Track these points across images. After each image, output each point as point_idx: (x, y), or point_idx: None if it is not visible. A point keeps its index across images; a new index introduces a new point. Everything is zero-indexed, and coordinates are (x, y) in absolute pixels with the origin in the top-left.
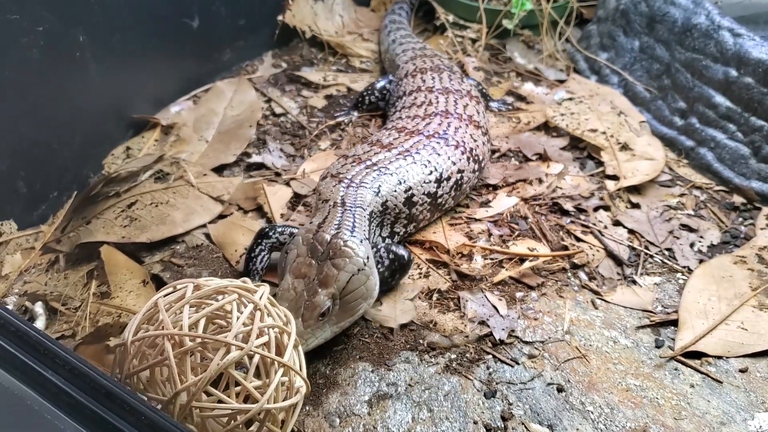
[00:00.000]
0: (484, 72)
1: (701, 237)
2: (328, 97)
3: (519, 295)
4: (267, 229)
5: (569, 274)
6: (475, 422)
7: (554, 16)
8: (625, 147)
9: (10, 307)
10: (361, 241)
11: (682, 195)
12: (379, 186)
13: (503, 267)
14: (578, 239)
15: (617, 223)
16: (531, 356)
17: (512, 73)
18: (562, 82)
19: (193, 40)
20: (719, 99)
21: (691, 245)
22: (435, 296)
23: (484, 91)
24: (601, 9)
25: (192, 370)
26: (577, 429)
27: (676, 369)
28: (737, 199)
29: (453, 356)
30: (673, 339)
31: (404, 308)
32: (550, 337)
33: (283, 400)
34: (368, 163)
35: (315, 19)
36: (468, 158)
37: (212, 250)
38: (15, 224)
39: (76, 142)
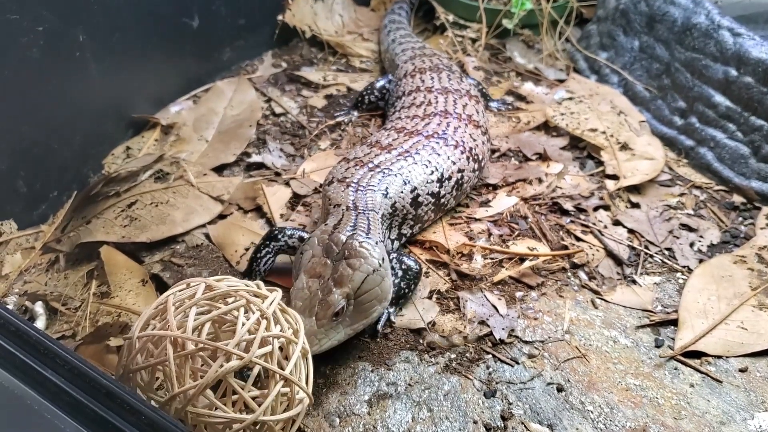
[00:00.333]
0: (484, 71)
1: (701, 236)
2: (328, 97)
3: (519, 294)
4: (276, 232)
5: (569, 274)
6: (475, 422)
7: (554, 16)
8: (625, 147)
9: (10, 306)
10: (377, 243)
11: (681, 194)
12: (387, 188)
13: (503, 266)
14: (578, 239)
15: (617, 223)
16: (531, 356)
17: (512, 72)
18: (561, 81)
19: (193, 39)
20: (719, 98)
21: (691, 245)
22: (435, 297)
23: (483, 90)
24: (601, 8)
25: (192, 375)
26: (577, 429)
27: (675, 368)
28: (737, 199)
29: (453, 356)
30: (673, 338)
31: (426, 306)
32: (549, 337)
33: (285, 411)
34: (371, 165)
35: (315, 18)
36: (468, 157)
37: (212, 249)
38: (15, 224)
39: (76, 141)
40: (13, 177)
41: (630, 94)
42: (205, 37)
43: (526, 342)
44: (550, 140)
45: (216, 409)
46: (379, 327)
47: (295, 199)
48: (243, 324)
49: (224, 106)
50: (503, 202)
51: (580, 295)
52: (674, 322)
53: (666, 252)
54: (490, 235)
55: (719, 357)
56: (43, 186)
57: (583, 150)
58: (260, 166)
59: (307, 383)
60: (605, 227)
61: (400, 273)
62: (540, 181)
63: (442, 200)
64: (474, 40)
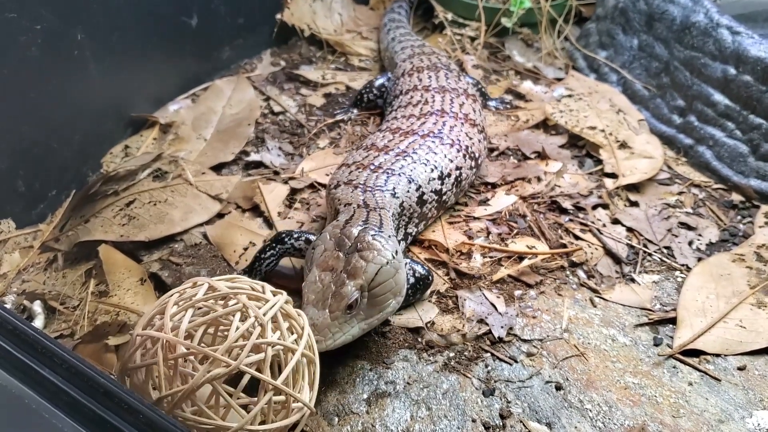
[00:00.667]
0: (483, 70)
1: (700, 235)
2: (327, 96)
3: (517, 293)
4: (283, 235)
5: (568, 272)
6: (474, 420)
7: (553, 15)
8: (623, 145)
9: (8, 306)
10: (389, 237)
11: (680, 193)
12: (394, 188)
13: (502, 265)
14: (577, 237)
15: (616, 222)
16: (529, 354)
17: (511, 71)
18: (560, 80)
19: (192, 38)
20: (718, 97)
21: (690, 243)
22: (434, 296)
23: (482, 89)
24: (600, 7)
25: (182, 378)
26: (576, 427)
27: (674, 367)
28: (736, 197)
29: (451, 354)
30: (672, 337)
31: (425, 307)
32: (548, 335)
33: (282, 420)
34: (372, 167)
35: (314, 17)
36: (464, 155)
37: (210, 248)
38: (13, 223)
39: (74, 140)
40: (11, 176)
41: (629, 92)
42: (204, 36)
43: (524, 340)
44: (549, 139)
45: (202, 414)
46: None
47: (293, 197)
48: (237, 329)
49: (223, 104)
50: (502, 201)
51: (579, 293)
52: (673, 321)
53: (665, 250)
54: (488, 233)
55: (718, 355)
56: (41, 185)
57: (582, 148)
58: (259, 165)
59: (311, 390)
60: (604, 226)
61: (412, 280)
62: (539, 179)
63: (444, 197)
64: (473, 39)
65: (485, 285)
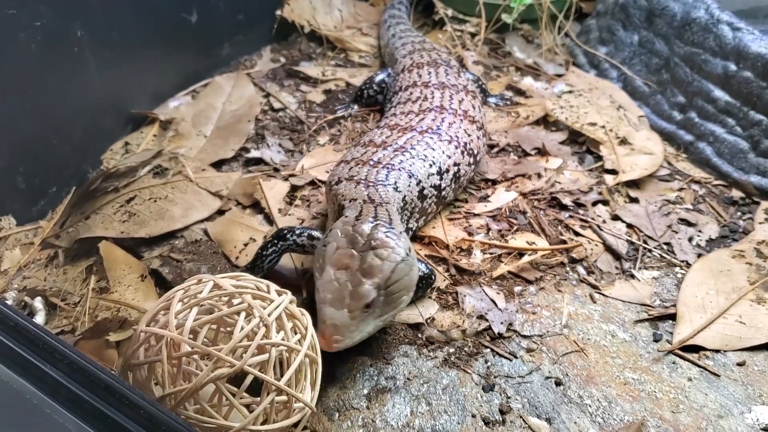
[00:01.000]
0: (483, 66)
1: (700, 231)
2: (327, 92)
3: (517, 289)
4: (285, 232)
5: (567, 269)
6: (474, 415)
7: (553, 11)
8: (624, 141)
9: (9, 302)
10: (400, 233)
11: (680, 189)
12: (395, 182)
13: (502, 261)
14: (577, 233)
15: (616, 218)
16: (529, 350)
17: (511, 67)
18: (561, 76)
19: (191, 35)
20: (718, 93)
21: (690, 239)
22: (434, 293)
23: (483, 85)
24: (601, 3)
25: (186, 376)
26: (575, 422)
27: (674, 363)
28: (736, 194)
29: (451, 350)
30: (671, 333)
31: (425, 303)
32: (548, 331)
33: (283, 420)
34: (372, 162)
35: (314, 13)
36: (462, 152)
37: (211, 245)
38: (14, 219)
39: (74, 137)
40: (12, 173)
41: (629, 88)
42: (203, 32)
43: (524, 336)
44: (549, 135)
45: (204, 413)
46: None
47: (293, 194)
48: (241, 329)
49: (223, 101)
50: (502, 197)
51: (579, 289)
52: (672, 317)
53: (664, 246)
54: (488, 230)
55: (717, 351)
56: (42, 182)
57: (582, 145)
58: (259, 161)
59: (313, 390)
60: (604, 222)
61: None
62: (539, 176)
63: (443, 192)
64: (473, 35)
65: (485, 281)
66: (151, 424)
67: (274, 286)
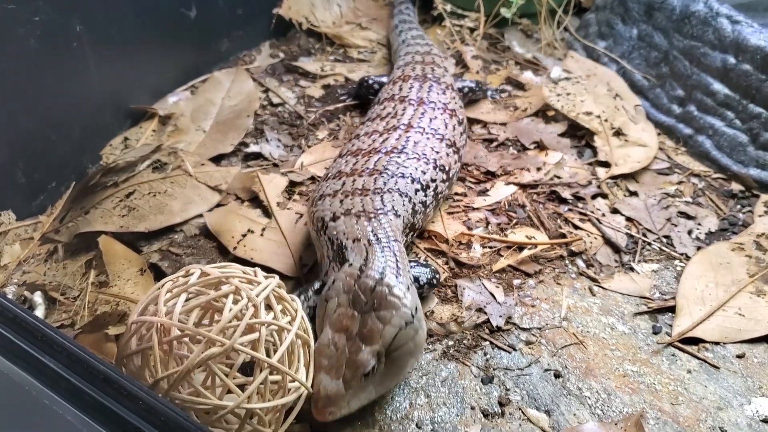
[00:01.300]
0: (482, 60)
1: (699, 224)
2: (326, 87)
3: (516, 282)
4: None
5: (567, 262)
6: (473, 407)
7: (552, 5)
8: (619, 132)
9: (9, 297)
10: (408, 288)
11: (680, 183)
12: (393, 206)
13: (501, 255)
14: (576, 227)
15: (615, 211)
16: (528, 342)
17: (511, 62)
18: (561, 59)
19: (190, 30)
20: (717, 86)
21: (689, 232)
22: (426, 283)
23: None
24: None
25: (178, 360)
26: (575, 414)
27: (673, 355)
28: (735, 187)
29: (450, 343)
30: (671, 325)
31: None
32: (547, 324)
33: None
34: (357, 191)
35: (312, 9)
36: (434, 167)
37: (210, 239)
38: (14, 215)
39: (74, 132)
40: (11, 168)
41: (628, 82)
42: (202, 27)
43: (523, 329)
44: (548, 128)
45: (198, 395)
46: None
47: (292, 188)
48: (230, 310)
49: (222, 96)
50: (501, 191)
51: (578, 282)
52: (672, 309)
53: (664, 240)
54: (488, 224)
55: (717, 343)
56: (41, 177)
57: (581, 138)
58: (258, 156)
59: (307, 371)
60: (603, 215)
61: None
62: (538, 170)
63: (428, 209)
64: (472, 30)
65: (484, 274)
66: (149, 413)
67: (261, 272)
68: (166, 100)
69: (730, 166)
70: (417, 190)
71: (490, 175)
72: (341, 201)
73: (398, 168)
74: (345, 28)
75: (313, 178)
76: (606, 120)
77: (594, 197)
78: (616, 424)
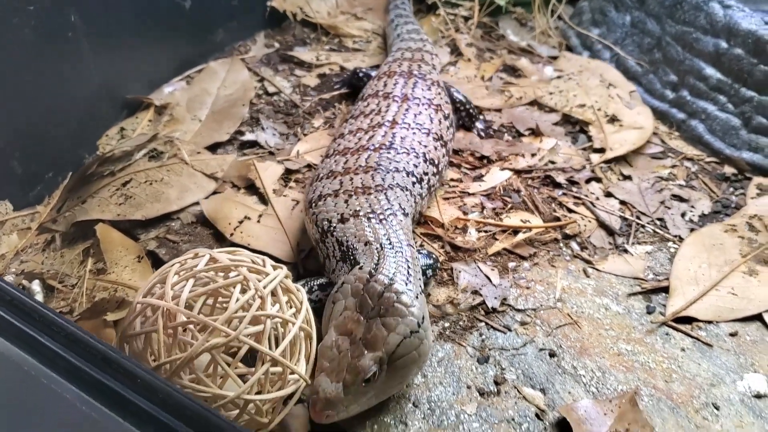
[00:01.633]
0: (476, 49)
1: (692, 207)
2: (321, 76)
3: (511, 265)
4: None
5: (561, 245)
6: (469, 387)
7: None
8: (613, 119)
9: None
10: (417, 297)
11: (673, 166)
12: (400, 204)
13: (497, 239)
14: (570, 211)
15: (609, 195)
16: (523, 323)
17: (504, 50)
18: (555, 58)
19: (185, 20)
20: (710, 71)
21: (683, 215)
22: (428, 270)
23: (470, 109)
24: None
25: (182, 346)
26: (569, 392)
27: (667, 334)
28: (728, 170)
29: (446, 324)
30: (664, 305)
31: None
32: (542, 305)
33: (278, 391)
34: (359, 188)
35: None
36: (424, 161)
37: (207, 226)
38: (11, 205)
39: (70, 123)
40: (8, 158)
41: (622, 69)
42: (197, 18)
43: (518, 310)
44: (542, 116)
45: (199, 383)
46: None
47: (288, 176)
48: (237, 300)
49: (217, 86)
50: (496, 177)
51: (572, 264)
52: (665, 290)
53: (657, 222)
54: (483, 208)
55: (710, 322)
56: (38, 167)
57: (575, 125)
58: (254, 144)
59: (308, 363)
60: (597, 199)
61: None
62: (533, 155)
63: (424, 201)
64: (466, 19)
65: (480, 258)
66: (148, 392)
67: (269, 261)
68: (161, 90)
69: (722, 150)
70: (414, 183)
71: (486, 161)
72: (346, 201)
73: (390, 163)
74: (340, 18)
75: (309, 166)
76: (599, 109)
77: (588, 181)
78: (610, 401)
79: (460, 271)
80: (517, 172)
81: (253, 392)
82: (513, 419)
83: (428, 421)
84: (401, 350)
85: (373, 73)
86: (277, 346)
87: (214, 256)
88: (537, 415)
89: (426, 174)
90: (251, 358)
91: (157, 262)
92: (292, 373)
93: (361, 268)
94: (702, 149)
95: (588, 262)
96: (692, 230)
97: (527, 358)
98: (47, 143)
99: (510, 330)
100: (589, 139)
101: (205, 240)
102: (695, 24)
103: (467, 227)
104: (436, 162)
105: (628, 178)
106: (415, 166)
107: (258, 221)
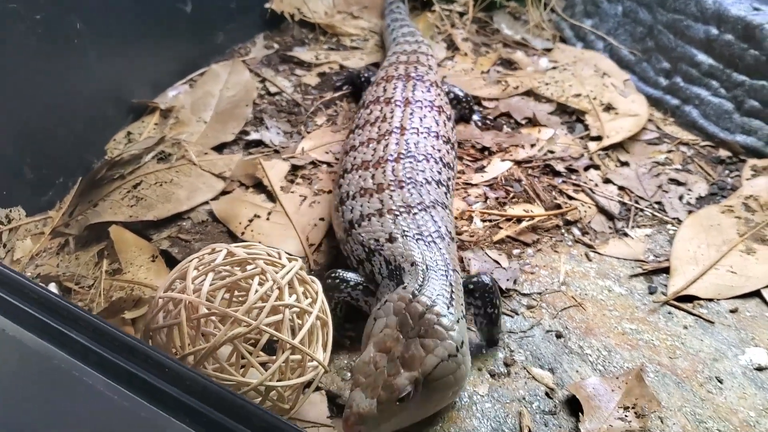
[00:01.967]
0: (472, 43)
1: (689, 190)
2: (321, 75)
3: (516, 251)
4: (338, 281)
5: (563, 231)
6: (480, 369)
7: None
8: (608, 107)
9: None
10: (458, 321)
11: (669, 151)
12: (446, 227)
13: (501, 228)
14: (570, 198)
15: (607, 181)
16: (530, 307)
17: (500, 44)
18: (549, 50)
19: (186, 24)
20: (701, 57)
21: (680, 198)
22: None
23: (470, 102)
24: None
25: (205, 337)
26: (577, 371)
27: (669, 313)
28: (723, 153)
29: None
30: (666, 285)
31: None
32: (547, 289)
33: (299, 377)
34: (403, 207)
35: (305, 0)
36: (444, 165)
37: (217, 224)
38: (23, 210)
39: (78, 129)
40: (19, 165)
41: (615, 58)
42: (198, 21)
43: (524, 294)
44: (538, 105)
45: (223, 371)
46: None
47: (294, 173)
48: (256, 291)
49: (220, 88)
50: (497, 167)
51: (575, 249)
52: (666, 270)
53: (656, 206)
54: (486, 198)
55: (710, 300)
56: (48, 173)
57: (571, 115)
58: (259, 143)
59: (325, 351)
60: (596, 185)
61: (479, 303)
62: (532, 145)
63: (449, 205)
64: (461, 14)
65: (486, 245)
66: (175, 379)
67: (284, 254)
68: (166, 94)
69: (717, 134)
70: (445, 192)
71: (487, 152)
72: (394, 221)
73: (418, 174)
74: (337, 17)
75: (314, 163)
76: (595, 98)
77: (586, 169)
78: (617, 377)
79: (470, 260)
80: (518, 163)
81: (275, 379)
82: (524, 398)
83: None
84: (438, 373)
85: (373, 78)
86: (295, 335)
87: (232, 250)
88: (547, 394)
89: (449, 179)
90: (269, 347)
91: (170, 260)
92: (311, 360)
93: (405, 287)
94: (697, 134)
95: (590, 246)
96: (690, 212)
97: (535, 340)
98: (57, 149)
99: (517, 314)
100: (586, 127)
101: (216, 238)
102: (686, 12)
103: (473, 217)
104: (452, 165)
105: (625, 164)
106: (439, 173)
107: (267, 218)
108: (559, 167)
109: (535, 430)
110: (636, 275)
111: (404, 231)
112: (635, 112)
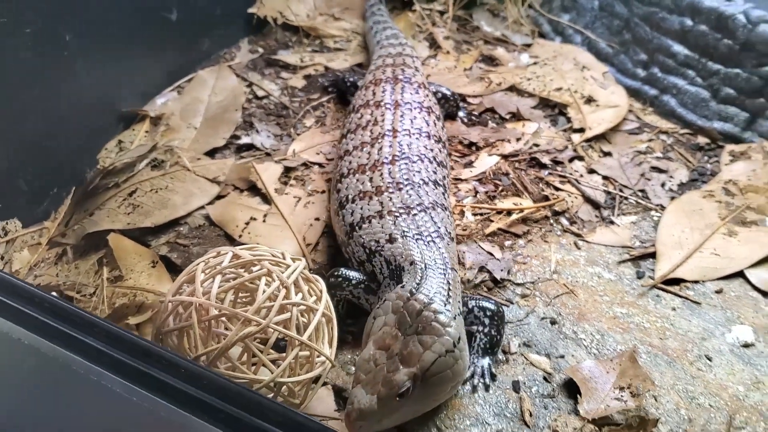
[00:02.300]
0: (453, 41)
1: (671, 177)
2: (307, 77)
3: (507, 243)
4: (341, 280)
5: (552, 221)
6: None
7: None
8: (589, 100)
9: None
10: (455, 318)
11: (650, 140)
12: (446, 228)
13: (492, 221)
14: (557, 189)
15: (592, 171)
16: (523, 296)
17: (480, 41)
18: (529, 46)
19: (172, 32)
20: (677, 48)
21: (662, 185)
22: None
23: (456, 100)
24: None
25: (216, 338)
26: (573, 355)
27: (657, 296)
28: (702, 140)
29: None
30: (653, 269)
31: None
32: (539, 278)
33: (306, 374)
34: (402, 209)
35: (287, 2)
36: (438, 164)
37: (214, 228)
38: (19, 222)
39: (70, 139)
40: (14, 177)
41: (594, 51)
42: (183, 29)
43: (518, 284)
44: (522, 100)
45: (235, 370)
46: (476, 381)
47: (287, 174)
48: (264, 292)
49: (208, 93)
50: (485, 162)
51: (564, 238)
52: (652, 255)
53: (639, 193)
54: (476, 192)
55: (696, 282)
56: (42, 184)
57: (554, 108)
58: (250, 147)
59: (330, 347)
60: (581, 176)
61: (486, 321)
62: (517, 140)
63: (447, 199)
64: (442, 13)
65: (479, 238)
66: (191, 379)
67: (288, 254)
68: (154, 101)
69: (695, 122)
70: (443, 193)
71: (474, 147)
72: (394, 222)
73: (414, 175)
74: (319, 19)
75: (306, 164)
76: (576, 91)
77: (571, 160)
78: (611, 360)
79: (464, 253)
80: (505, 157)
81: (286, 375)
82: (523, 383)
83: None
84: (436, 368)
85: (360, 82)
86: (300, 332)
87: (237, 252)
88: (545, 378)
89: (445, 178)
90: (277, 345)
91: (170, 266)
92: (318, 355)
93: (403, 286)
94: (675, 122)
95: (578, 235)
96: (672, 198)
97: (530, 327)
98: (50, 160)
99: (512, 303)
100: (569, 120)
101: (214, 242)
102: (661, 4)
103: (464, 212)
104: (446, 164)
105: (608, 154)
106: (434, 172)
107: (263, 221)
108: (545, 160)
109: (536, 413)
110: (624, 261)
111: (404, 231)
112: (615, 104)
